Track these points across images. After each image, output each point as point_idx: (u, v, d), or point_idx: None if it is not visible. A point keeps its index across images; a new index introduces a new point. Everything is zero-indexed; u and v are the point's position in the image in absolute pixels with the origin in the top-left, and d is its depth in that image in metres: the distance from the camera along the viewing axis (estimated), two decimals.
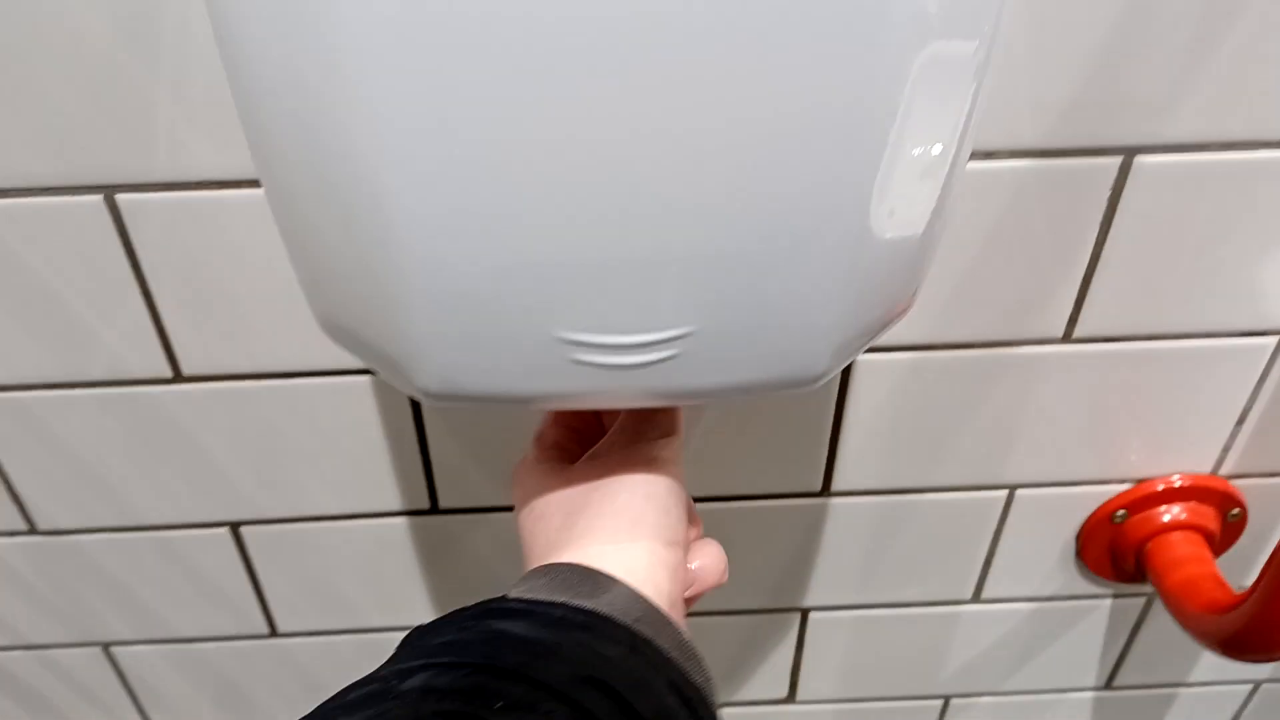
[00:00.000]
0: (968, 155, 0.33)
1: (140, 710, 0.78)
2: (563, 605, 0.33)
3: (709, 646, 0.73)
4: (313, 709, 0.30)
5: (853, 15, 0.25)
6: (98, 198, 0.49)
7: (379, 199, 0.28)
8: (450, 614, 0.34)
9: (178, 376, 0.56)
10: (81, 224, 0.50)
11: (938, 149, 0.31)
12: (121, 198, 0.49)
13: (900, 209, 0.31)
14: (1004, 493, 0.65)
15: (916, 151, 0.30)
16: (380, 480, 0.62)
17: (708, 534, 0.42)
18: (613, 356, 0.31)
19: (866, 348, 0.36)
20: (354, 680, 0.32)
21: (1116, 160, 0.49)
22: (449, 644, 0.32)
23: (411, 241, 0.29)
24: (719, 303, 0.31)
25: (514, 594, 0.35)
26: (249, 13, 0.27)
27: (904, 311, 0.35)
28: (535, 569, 0.36)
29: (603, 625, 0.33)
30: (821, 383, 0.34)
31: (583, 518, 0.37)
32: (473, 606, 0.35)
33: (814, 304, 0.31)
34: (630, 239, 0.29)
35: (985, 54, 0.29)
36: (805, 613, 0.72)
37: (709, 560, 0.40)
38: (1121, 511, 0.65)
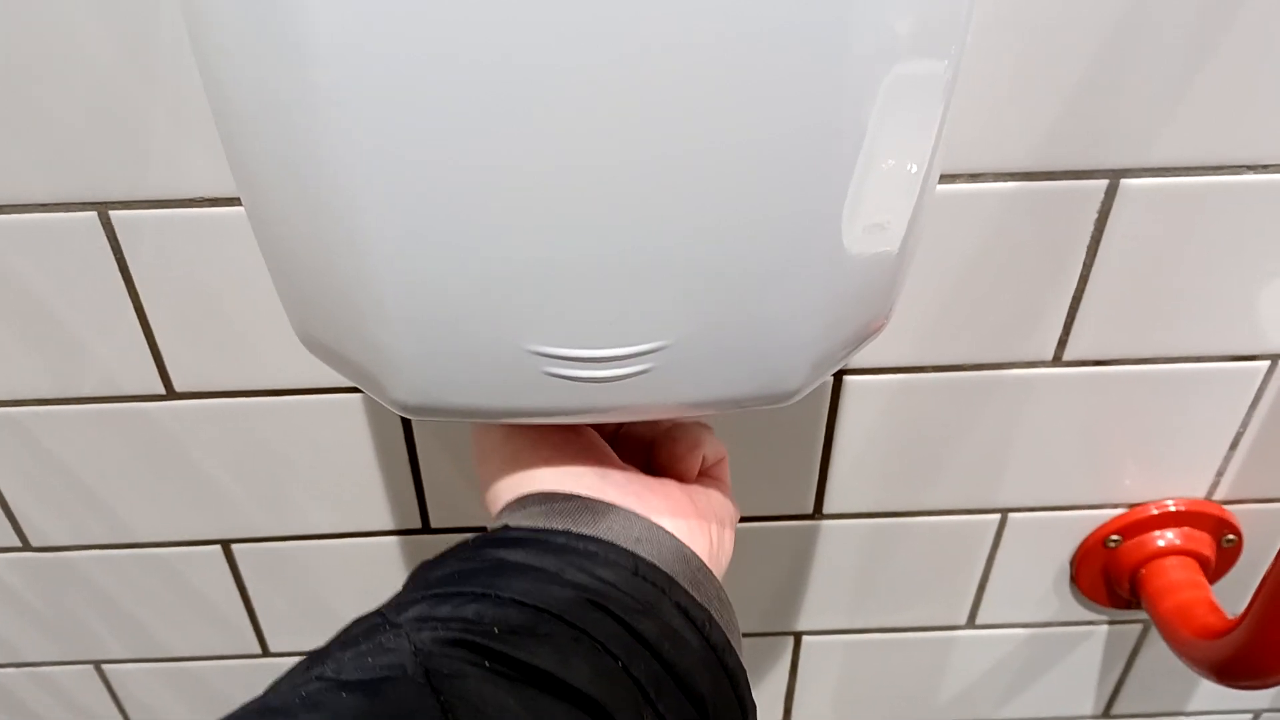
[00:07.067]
0: (938, 174, 0.33)
1: None
2: (565, 533, 0.34)
3: None
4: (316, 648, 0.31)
5: (818, 38, 0.26)
6: (92, 214, 0.49)
7: (350, 215, 0.28)
8: (454, 546, 0.35)
9: (170, 393, 0.57)
10: (76, 241, 0.50)
11: (908, 168, 0.31)
12: (116, 214, 0.49)
13: (873, 227, 0.31)
14: (997, 516, 0.64)
15: (887, 171, 0.30)
16: (372, 499, 0.63)
17: None
18: (585, 370, 0.31)
19: (846, 364, 0.36)
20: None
21: (1103, 184, 0.50)
22: (450, 575, 0.33)
23: (382, 257, 0.29)
24: (692, 318, 0.31)
25: (514, 522, 0.35)
26: (222, 34, 0.28)
27: (880, 328, 0.35)
28: (531, 494, 0.36)
29: (606, 550, 0.33)
30: (798, 397, 0.34)
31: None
32: (475, 538, 0.35)
33: (789, 319, 0.32)
34: (601, 254, 0.29)
35: (953, 74, 0.29)
36: (798, 637, 0.72)
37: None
38: (1115, 536, 0.64)
